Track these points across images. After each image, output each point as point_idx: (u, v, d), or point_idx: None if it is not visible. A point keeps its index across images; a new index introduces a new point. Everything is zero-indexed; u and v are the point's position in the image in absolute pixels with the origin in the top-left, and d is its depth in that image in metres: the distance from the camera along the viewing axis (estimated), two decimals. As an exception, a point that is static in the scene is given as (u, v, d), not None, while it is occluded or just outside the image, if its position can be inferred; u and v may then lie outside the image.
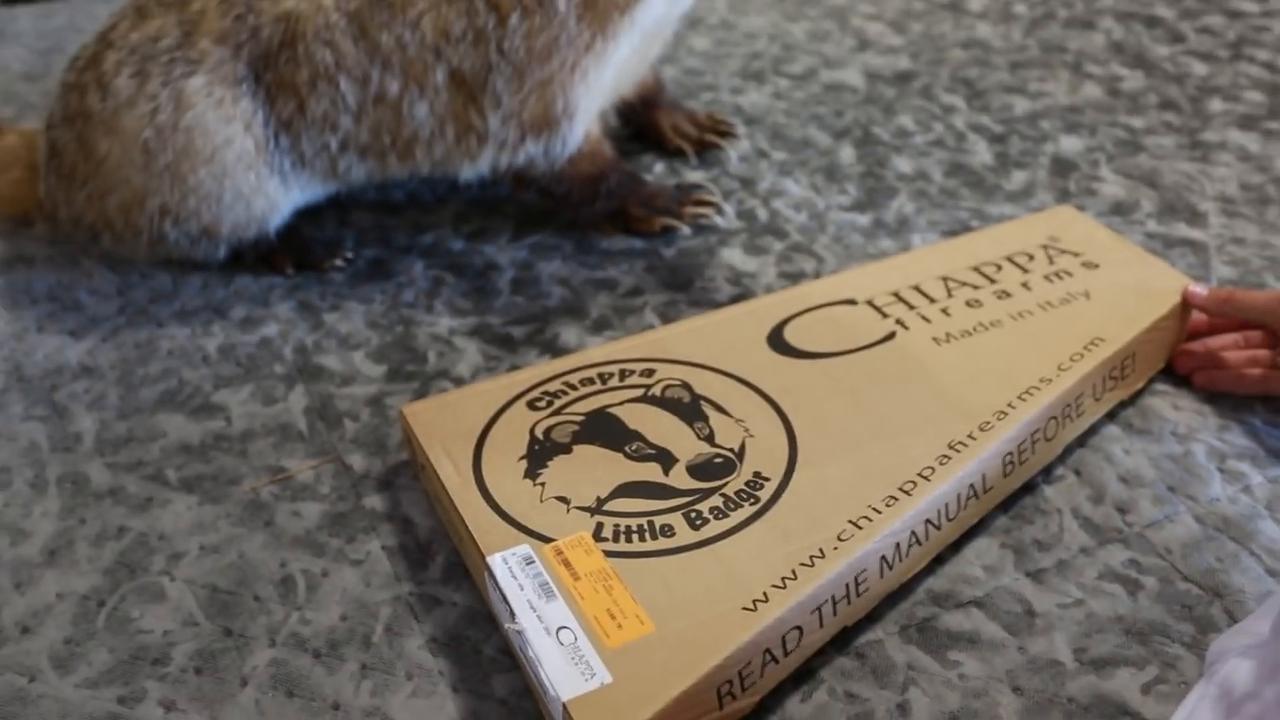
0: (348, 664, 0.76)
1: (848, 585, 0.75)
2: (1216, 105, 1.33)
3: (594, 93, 1.06)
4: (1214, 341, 0.97)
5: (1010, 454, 0.84)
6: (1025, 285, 0.98)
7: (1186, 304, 0.96)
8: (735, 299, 1.05)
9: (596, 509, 0.79)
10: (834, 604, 0.75)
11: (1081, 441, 0.91)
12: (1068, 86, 1.37)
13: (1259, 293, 0.95)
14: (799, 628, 0.73)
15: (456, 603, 0.80)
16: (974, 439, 0.83)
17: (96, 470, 0.91)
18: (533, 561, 0.75)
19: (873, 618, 0.79)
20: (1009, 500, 0.87)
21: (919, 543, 0.79)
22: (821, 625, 0.75)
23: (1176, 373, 0.98)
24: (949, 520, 0.81)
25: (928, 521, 0.79)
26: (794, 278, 1.08)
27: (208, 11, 1.02)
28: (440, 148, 1.06)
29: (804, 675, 0.75)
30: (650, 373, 0.90)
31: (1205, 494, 0.87)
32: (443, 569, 0.83)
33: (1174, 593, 0.80)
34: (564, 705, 0.66)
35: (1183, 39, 1.47)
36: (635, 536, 0.77)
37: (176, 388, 0.99)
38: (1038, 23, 1.51)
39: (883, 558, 0.77)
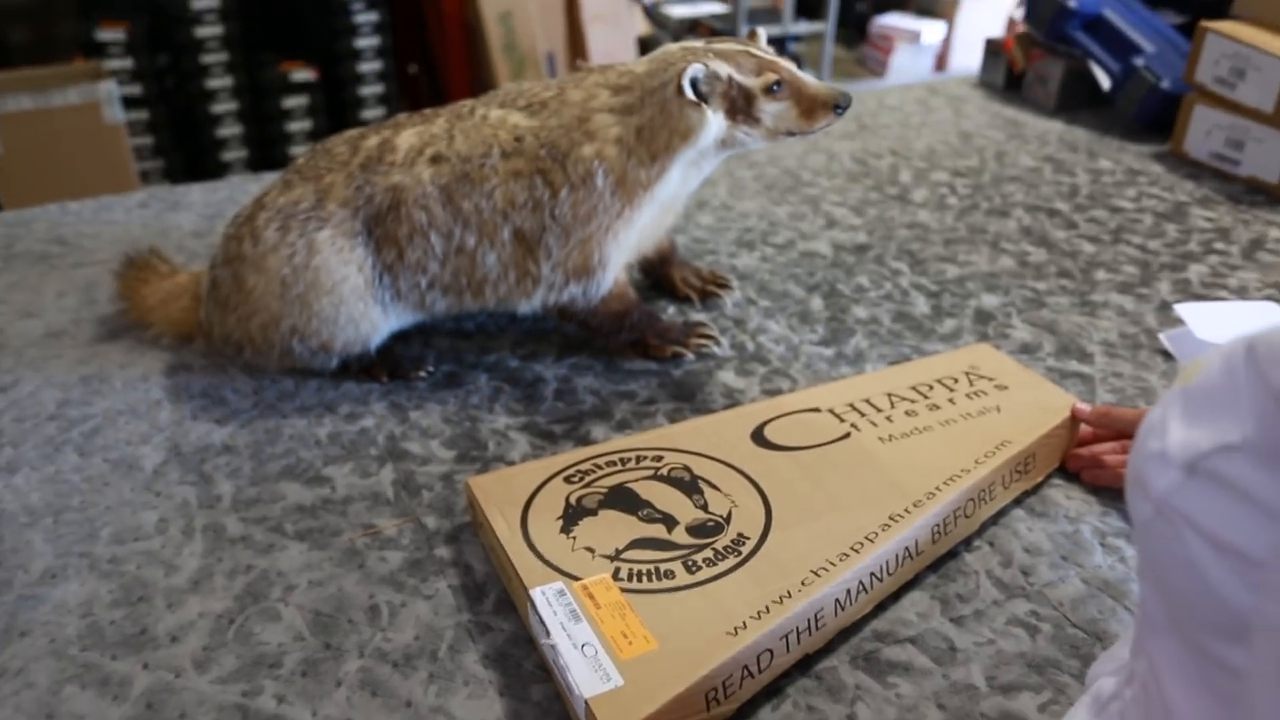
0: (419, 673, 0.79)
1: (809, 620, 0.78)
2: (1101, 275, 1.39)
3: (622, 249, 1.12)
4: (1097, 448, 1.01)
5: (937, 526, 0.88)
6: (951, 400, 1.02)
7: (1075, 418, 1.00)
8: (727, 409, 1.10)
9: (615, 557, 0.82)
10: (798, 634, 0.78)
11: (994, 520, 0.95)
12: (988, 258, 1.44)
13: (1129, 409, 0.99)
14: (770, 650, 0.76)
15: (504, 629, 0.84)
16: (909, 513, 0.86)
17: (232, 523, 0.96)
18: (564, 594, 0.78)
19: (829, 648, 0.81)
20: (937, 563, 0.90)
21: (865, 590, 0.82)
22: (788, 651, 0.77)
23: (1068, 471, 1.01)
24: (889, 575, 0.84)
25: (872, 574, 0.82)
26: (773, 395, 1.13)
27: (336, 184, 1.10)
28: (504, 288, 1.12)
29: (774, 691, 0.78)
30: (659, 458, 0.94)
31: (1090, 562, 0.90)
32: (494, 603, 0.86)
33: (1065, 636, 0.83)
34: (586, 702, 0.69)
35: (1075, 226, 1.53)
36: (645, 578, 0.80)
37: (295, 463, 1.04)
38: (965, 211, 1.59)
39: (836, 600, 0.80)
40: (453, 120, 1.12)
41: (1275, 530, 0.43)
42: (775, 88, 1.05)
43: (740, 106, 1.06)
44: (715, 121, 1.06)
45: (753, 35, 1.13)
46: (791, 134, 1.08)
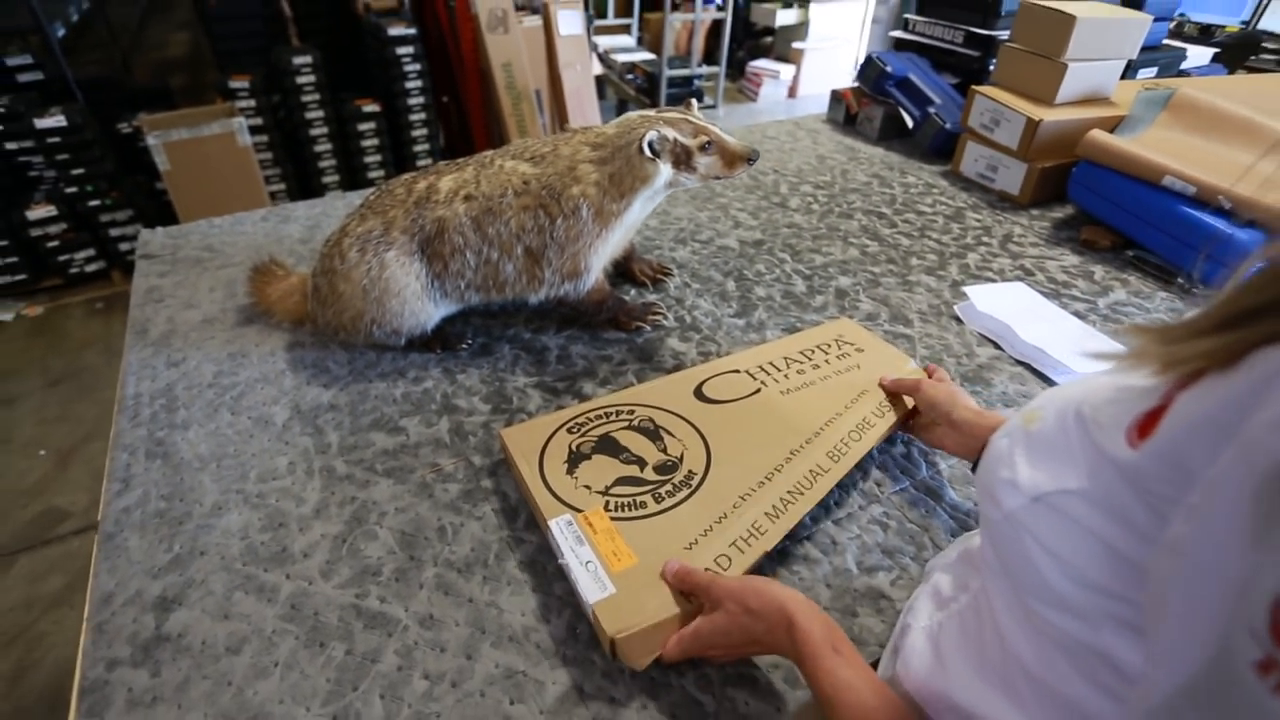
0: (476, 576, 0.72)
1: (748, 529, 0.70)
2: (915, 261, 1.30)
3: (600, 258, 1.01)
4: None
5: (830, 451, 0.80)
6: (826, 362, 0.95)
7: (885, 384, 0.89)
8: (675, 368, 1.01)
9: (605, 492, 0.74)
10: (745, 540, 0.69)
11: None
12: (841, 249, 1.34)
13: (908, 379, 0.86)
14: (726, 556, 0.67)
15: (533, 542, 0.76)
16: (804, 446, 0.79)
17: (339, 465, 0.86)
18: (571, 524, 0.71)
19: (751, 546, 0.75)
20: (819, 479, 0.83)
21: (790, 503, 0.73)
22: (741, 553, 0.68)
23: None
24: (805, 491, 0.75)
25: (789, 491, 0.74)
26: (706, 355, 1.04)
27: (397, 217, 0.96)
28: (519, 286, 1.01)
29: (717, 579, 0.72)
30: (632, 412, 0.85)
31: (918, 475, 0.84)
32: (524, 522, 0.78)
33: (905, 530, 0.78)
34: (592, 607, 0.62)
35: (896, 225, 1.44)
36: (626, 508, 0.73)
37: (380, 417, 0.93)
38: (825, 214, 1.48)
39: (766, 513, 0.72)
40: (478, 169, 0.99)
41: (1107, 553, 0.36)
42: (707, 146, 0.94)
43: (682, 159, 0.94)
44: (665, 170, 0.94)
45: (688, 104, 1.00)
46: (718, 178, 0.97)
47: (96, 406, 2.50)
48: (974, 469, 0.75)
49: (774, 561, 0.73)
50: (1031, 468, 0.40)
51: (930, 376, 0.88)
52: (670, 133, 0.92)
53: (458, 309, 1.07)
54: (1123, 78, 1.68)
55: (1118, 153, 1.32)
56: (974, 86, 1.58)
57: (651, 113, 0.97)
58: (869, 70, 1.84)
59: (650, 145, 0.91)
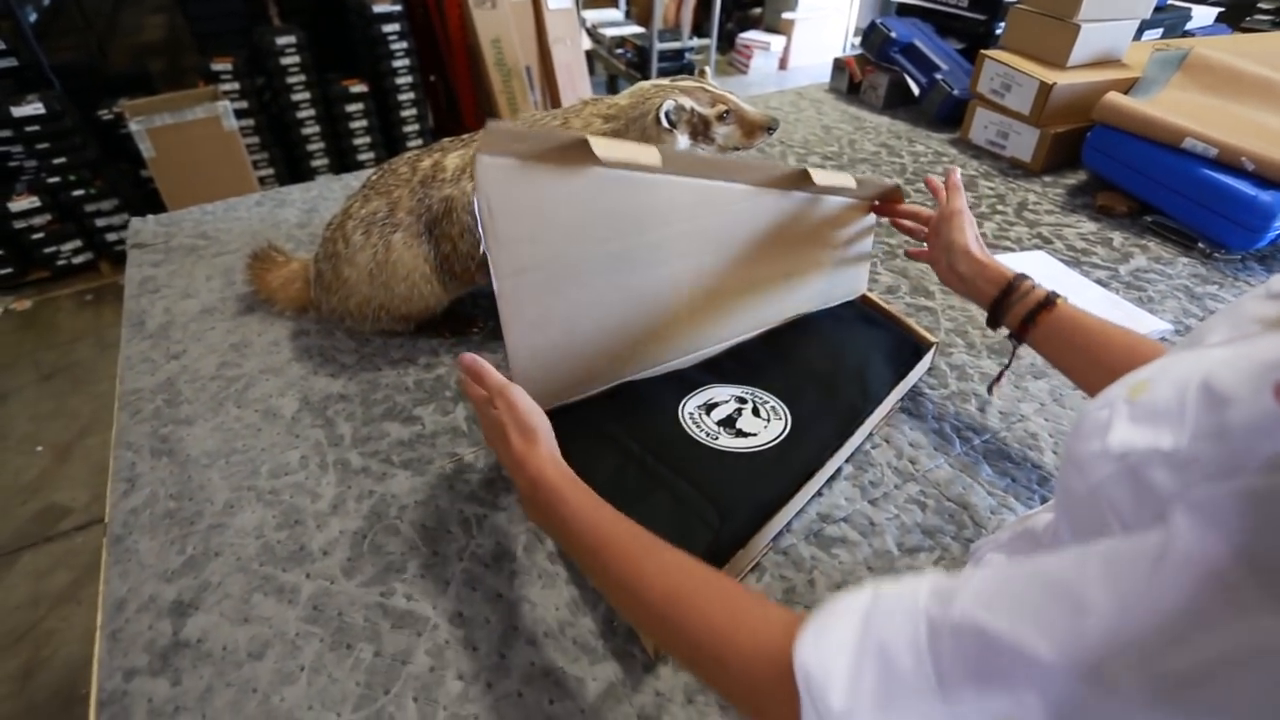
0: (504, 570, 0.69)
1: None
2: (931, 231, 1.26)
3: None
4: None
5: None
6: None
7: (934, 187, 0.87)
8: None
9: (638, 477, 0.71)
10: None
11: (888, 423, 0.84)
12: (853, 221, 1.29)
13: (899, 205, 0.89)
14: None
15: (562, 530, 0.73)
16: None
17: (354, 457, 0.82)
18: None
19: (789, 529, 0.72)
20: (853, 458, 0.79)
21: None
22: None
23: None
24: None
25: None
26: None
27: (403, 198, 0.91)
28: (532, 267, 0.97)
29: (756, 566, 0.68)
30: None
31: (953, 451, 0.82)
32: (552, 510, 0.75)
33: (943, 508, 0.75)
34: None
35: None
36: (661, 493, 0.69)
37: (393, 406, 0.89)
38: (833, 186, 1.43)
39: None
40: (485, 144, 0.94)
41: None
42: (725, 115, 0.89)
43: (699, 130, 0.89)
44: (682, 142, 0.89)
45: (701, 74, 0.95)
46: (736, 149, 0.92)
47: (92, 400, 2.44)
48: (990, 322, 0.73)
49: (811, 544, 0.71)
50: (1129, 429, 0.36)
51: (948, 181, 0.83)
52: (687, 101, 0.88)
53: (466, 291, 1.02)
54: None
55: (1136, 116, 1.28)
56: (983, 51, 1.53)
57: (665, 81, 0.92)
58: (873, 37, 1.78)
59: (666, 115, 0.86)
